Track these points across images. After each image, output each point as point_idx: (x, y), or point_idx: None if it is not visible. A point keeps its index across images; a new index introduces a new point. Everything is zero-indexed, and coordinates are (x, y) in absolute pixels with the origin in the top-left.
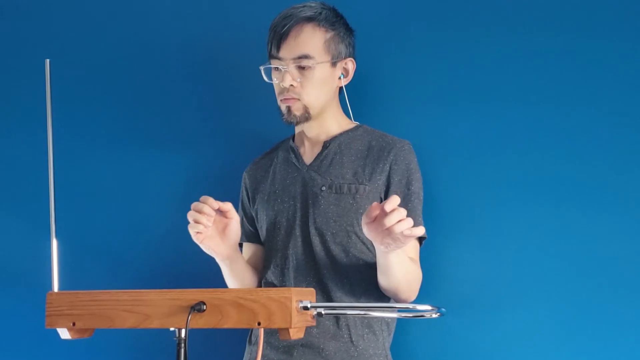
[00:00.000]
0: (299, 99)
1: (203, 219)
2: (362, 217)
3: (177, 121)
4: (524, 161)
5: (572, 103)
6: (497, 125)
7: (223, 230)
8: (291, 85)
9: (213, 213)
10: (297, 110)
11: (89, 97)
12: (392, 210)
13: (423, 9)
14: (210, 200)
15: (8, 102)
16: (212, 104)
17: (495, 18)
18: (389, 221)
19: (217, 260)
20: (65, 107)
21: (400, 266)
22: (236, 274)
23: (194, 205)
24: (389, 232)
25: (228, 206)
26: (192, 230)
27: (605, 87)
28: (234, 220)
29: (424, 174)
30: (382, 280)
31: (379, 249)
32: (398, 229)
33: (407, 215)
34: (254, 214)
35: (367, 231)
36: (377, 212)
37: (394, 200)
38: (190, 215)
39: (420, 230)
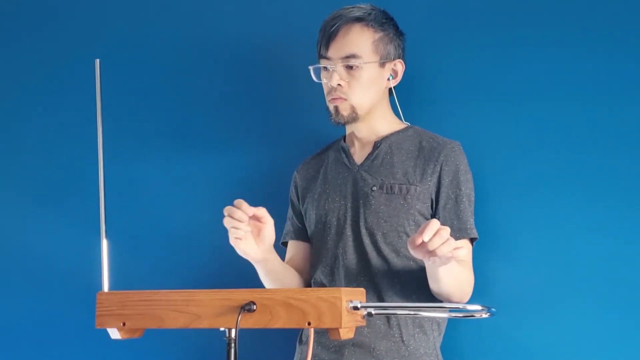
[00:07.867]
0: (346, 99)
1: (241, 225)
2: (407, 242)
3: (227, 122)
4: (575, 161)
5: (627, 102)
6: (548, 125)
7: (258, 235)
8: (339, 84)
9: (246, 219)
10: (344, 110)
11: (138, 97)
12: (434, 235)
13: (472, 11)
14: (245, 205)
15: (58, 103)
16: (263, 105)
17: (547, 18)
18: (432, 245)
19: (252, 262)
20: (116, 108)
21: (449, 273)
22: (272, 275)
23: (228, 210)
24: (433, 253)
25: (262, 212)
26: (232, 236)
27: None
28: (268, 224)
29: (475, 175)
30: (433, 286)
31: (427, 262)
32: (440, 252)
33: (458, 217)
34: (303, 213)
35: (412, 253)
36: (419, 241)
37: (431, 227)
38: (227, 223)
39: (462, 252)
